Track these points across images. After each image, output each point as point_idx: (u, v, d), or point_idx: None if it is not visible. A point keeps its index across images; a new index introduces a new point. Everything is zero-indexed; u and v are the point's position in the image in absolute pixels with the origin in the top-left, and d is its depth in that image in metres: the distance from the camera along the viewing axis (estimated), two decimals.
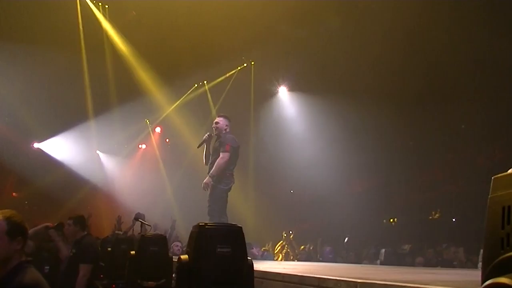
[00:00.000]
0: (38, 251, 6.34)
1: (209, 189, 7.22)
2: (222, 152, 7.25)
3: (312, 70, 13.19)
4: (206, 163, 7.54)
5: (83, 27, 13.09)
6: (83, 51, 13.56)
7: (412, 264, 8.57)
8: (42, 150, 16.68)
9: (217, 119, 7.68)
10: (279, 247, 12.45)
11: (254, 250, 10.51)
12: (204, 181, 7.27)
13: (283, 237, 12.61)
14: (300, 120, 14.53)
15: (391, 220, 14.26)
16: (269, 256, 11.48)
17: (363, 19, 11.23)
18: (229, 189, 7.35)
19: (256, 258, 9.98)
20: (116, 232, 9.53)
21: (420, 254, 9.27)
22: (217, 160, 7.24)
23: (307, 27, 12.01)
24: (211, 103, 15.65)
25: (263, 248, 11.96)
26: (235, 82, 15.03)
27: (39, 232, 6.07)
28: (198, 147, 7.81)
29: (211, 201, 7.25)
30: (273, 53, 13.19)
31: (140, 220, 7.17)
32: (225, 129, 7.49)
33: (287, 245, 12.49)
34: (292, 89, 14.96)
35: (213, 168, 7.24)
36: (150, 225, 7.26)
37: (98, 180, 16.95)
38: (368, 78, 11.91)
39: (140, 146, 18.82)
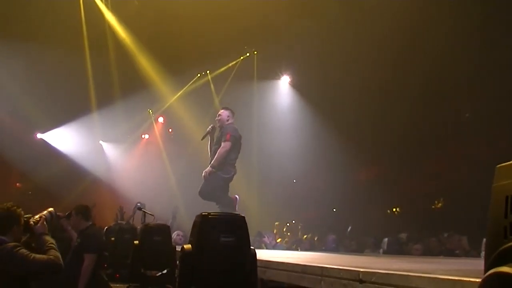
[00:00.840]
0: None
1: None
2: (223, 141, 7.32)
3: (314, 62, 13.16)
4: (211, 155, 7.59)
5: (85, 17, 12.99)
6: (86, 41, 13.51)
7: (410, 252, 8.58)
8: (45, 141, 16.73)
9: (220, 111, 7.81)
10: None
11: (266, 239, 10.46)
12: (205, 170, 7.35)
13: (286, 226, 12.74)
14: (303, 110, 14.54)
15: (394, 209, 14.30)
16: (281, 246, 11.43)
17: (368, 11, 11.19)
18: (230, 179, 7.40)
19: (268, 247, 10.11)
20: (119, 221, 9.62)
21: (419, 242, 9.16)
22: (218, 150, 7.32)
23: (310, 18, 12.01)
24: (214, 93, 15.62)
25: (278, 240, 11.91)
26: (238, 72, 14.95)
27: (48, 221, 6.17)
28: (202, 139, 7.94)
29: (207, 186, 7.32)
30: (276, 43, 13.11)
31: (143, 209, 7.36)
32: (227, 120, 7.57)
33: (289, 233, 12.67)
34: (294, 79, 15.00)
35: (214, 158, 7.33)
36: (153, 214, 7.32)
37: (101, 171, 16.97)
38: (370, 68, 11.88)
39: (143, 136, 18.82)
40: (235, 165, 7.58)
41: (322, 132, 13.56)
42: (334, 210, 14.92)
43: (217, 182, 7.36)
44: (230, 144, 7.27)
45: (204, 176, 7.35)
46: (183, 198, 14.07)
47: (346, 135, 13.32)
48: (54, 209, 4.36)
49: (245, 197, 12.51)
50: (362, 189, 13.48)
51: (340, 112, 13.39)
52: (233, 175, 7.48)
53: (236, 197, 7.63)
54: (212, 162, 7.33)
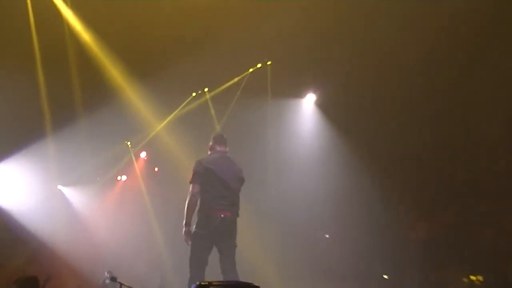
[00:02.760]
0: None
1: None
2: None
3: (350, 76, 13.44)
4: None
5: (34, 18, 12.59)
6: (37, 50, 13.17)
7: None
8: None
9: None
10: None
11: None
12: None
13: None
14: (333, 138, 14.80)
15: (473, 277, 13.69)
16: None
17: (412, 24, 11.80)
18: (209, 233, 7.12)
19: None
20: None
21: None
22: None
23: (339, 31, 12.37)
24: (215, 117, 15.36)
25: None
26: (246, 89, 14.72)
27: None
28: None
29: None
30: (296, 51, 13.28)
31: (118, 281, 7.14)
32: (208, 151, 7.76)
33: None
34: (322, 98, 15.08)
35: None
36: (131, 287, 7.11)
37: (59, 227, 16.24)
38: (420, 89, 12.75)
39: (118, 177, 18.34)
40: (235, 203, 7.42)
41: (361, 169, 13.71)
42: (386, 278, 14.48)
43: (193, 246, 7.25)
44: (192, 186, 7.16)
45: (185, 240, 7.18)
46: (173, 259, 14.03)
47: (392, 175, 13.67)
48: None
49: (258, 254, 13.37)
50: (420, 248, 13.37)
51: (381, 143, 13.69)
52: (217, 221, 7.15)
53: None
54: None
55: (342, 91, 13.85)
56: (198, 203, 7.13)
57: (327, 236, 15.44)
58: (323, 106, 15.01)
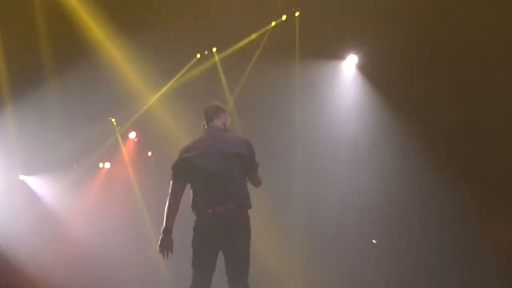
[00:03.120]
0: None
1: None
2: None
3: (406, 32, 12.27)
4: None
5: None
6: None
7: None
8: None
9: None
10: None
11: None
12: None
13: None
14: (383, 110, 13.52)
15: None
16: None
17: None
18: (203, 236, 6.66)
19: None
20: None
21: None
22: None
23: None
24: (226, 86, 14.40)
25: None
26: (266, 48, 13.80)
27: None
28: None
29: None
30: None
31: None
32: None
33: None
34: (367, 59, 13.69)
35: None
36: None
37: (21, 229, 15.13)
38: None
39: (100, 165, 17.23)
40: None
41: (421, 155, 12.58)
42: None
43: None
44: (170, 185, 6.73)
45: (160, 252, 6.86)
46: (173, 269, 13.35)
47: (463, 164, 12.31)
48: None
49: (280, 261, 13.25)
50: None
51: (447, 122, 12.61)
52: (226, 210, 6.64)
53: None
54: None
55: (395, 51, 12.45)
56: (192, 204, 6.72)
57: (374, 242, 13.91)
58: (368, 71, 13.59)
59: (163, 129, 15.10)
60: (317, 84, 13.86)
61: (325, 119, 13.90)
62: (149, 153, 16.92)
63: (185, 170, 6.60)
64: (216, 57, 14.43)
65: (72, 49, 13.40)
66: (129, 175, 16.65)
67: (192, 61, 14.55)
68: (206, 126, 6.96)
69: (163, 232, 6.50)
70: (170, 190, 6.60)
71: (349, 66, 13.89)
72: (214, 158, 6.61)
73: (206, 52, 14.42)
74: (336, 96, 14.02)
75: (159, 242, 6.51)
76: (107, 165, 17.15)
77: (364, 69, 13.73)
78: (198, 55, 14.43)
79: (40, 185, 16.59)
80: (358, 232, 13.69)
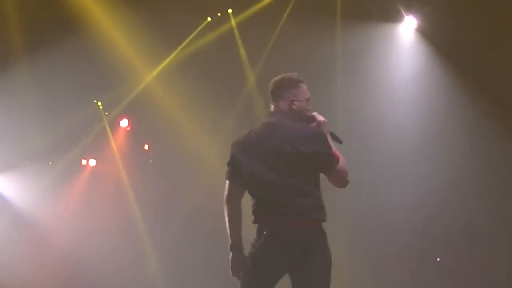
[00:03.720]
0: None
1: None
2: None
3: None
4: None
5: None
6: None
7: None
8: None
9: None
10: None
11: None
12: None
13: None
14: (449, 81, 12.39)
15: None
16: None
17: None
18: (260, 250, 5.46)
19: None
20: None
21: None
22: None
23: None
24: (245, 59, 13.19)
25: None
26: (297, 9, 12.49)
27: None
28: None
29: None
30: None
31: None
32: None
33: None
34: (428, 22, 12.29)
35: None
36: None
37: None
38: None
39: (84, 161, 15.49)
40: None
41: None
42: None
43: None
44: (226, 185, 5.46)
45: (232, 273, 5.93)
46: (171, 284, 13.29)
47: None
48: None
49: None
50: None
51: None
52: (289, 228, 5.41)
53: None
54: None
55: (465, 10, 11.12)
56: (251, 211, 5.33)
57: (438, 260, 12.40)
58: (430, 35, 12.15)
59: (163, 116, 13.78)
60: (364, 53, 12.35)
61: (375, 99, 12.40)
62: (146, 146, 15.26)
63: (243, 170, 5.42)
64: (233, 21, 13.13)
65: (46, 15, 12.05)
66: (119, 173, 15.06)
67: (202, 26, 13.19)
68: (269, 111, 5.82)
69: (231, 250, 5.54)
70: (226, 195, 5.52)
71: (406, 30, 12.46)
72: (271, 156, 5.19)
73: (219, 14, 13.05)
74: (389, 69, 12.46)
75: (230, 263, 5.53)
76: (92, 162, 15.34)
77: (426, 32, 12.22)
78: (209, 18, 13.06)
79: (8, 186, 14.88)
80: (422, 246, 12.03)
